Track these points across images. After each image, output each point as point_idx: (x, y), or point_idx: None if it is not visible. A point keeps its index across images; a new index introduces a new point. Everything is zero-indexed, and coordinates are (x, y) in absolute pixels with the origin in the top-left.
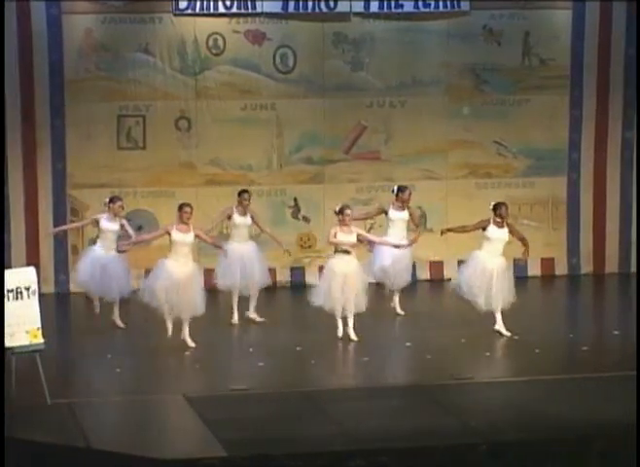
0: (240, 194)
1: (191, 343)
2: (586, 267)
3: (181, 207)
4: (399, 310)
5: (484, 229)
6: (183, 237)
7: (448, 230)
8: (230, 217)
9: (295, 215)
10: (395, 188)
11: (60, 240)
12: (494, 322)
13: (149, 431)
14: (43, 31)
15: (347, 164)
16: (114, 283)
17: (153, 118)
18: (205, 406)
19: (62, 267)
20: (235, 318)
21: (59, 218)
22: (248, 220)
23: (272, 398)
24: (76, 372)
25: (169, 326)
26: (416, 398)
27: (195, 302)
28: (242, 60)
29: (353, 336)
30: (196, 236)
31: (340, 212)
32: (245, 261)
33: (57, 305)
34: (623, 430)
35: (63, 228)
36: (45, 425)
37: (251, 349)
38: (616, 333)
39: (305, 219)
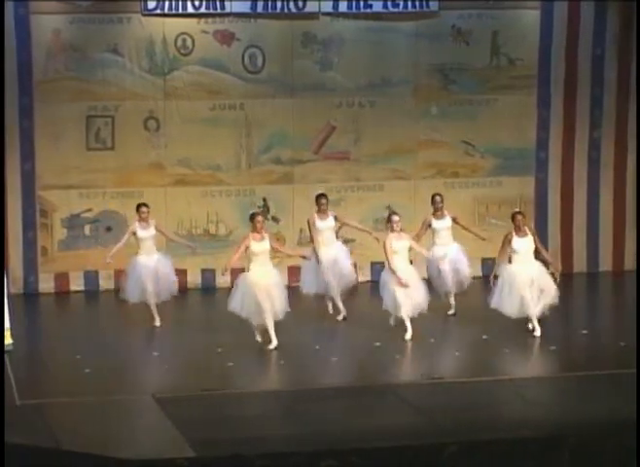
0: (317, 198)
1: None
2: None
3: (253, 217)
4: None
5: (509, 242)
6: (259, 246)
7: (495, 265)
8: (314, 224)
9: (264, 215)
10: (438, 197)
11: (30, 241)
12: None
13: (118, 432)
14: (11, 31)
15: (316, 165)
16: (164, 284)
17: (121, 118)
18: (174, 406)
19: (32, 267)
20: (341, 315)
21: (28, 219)
22: (330, 223)
23: (242, 398)
24: (45, 372)
25: (259, 335)
26: (386, 398)
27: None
28: (211, 60)
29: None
30: (273, 249)
31: (388, 220)
32: (333, 264)
33: (26, 306)
34: (593, 429)
35: (117, 249)
36: (14, 426)
37: (219, 350)
38: (584, 332)
39: (275, 219)
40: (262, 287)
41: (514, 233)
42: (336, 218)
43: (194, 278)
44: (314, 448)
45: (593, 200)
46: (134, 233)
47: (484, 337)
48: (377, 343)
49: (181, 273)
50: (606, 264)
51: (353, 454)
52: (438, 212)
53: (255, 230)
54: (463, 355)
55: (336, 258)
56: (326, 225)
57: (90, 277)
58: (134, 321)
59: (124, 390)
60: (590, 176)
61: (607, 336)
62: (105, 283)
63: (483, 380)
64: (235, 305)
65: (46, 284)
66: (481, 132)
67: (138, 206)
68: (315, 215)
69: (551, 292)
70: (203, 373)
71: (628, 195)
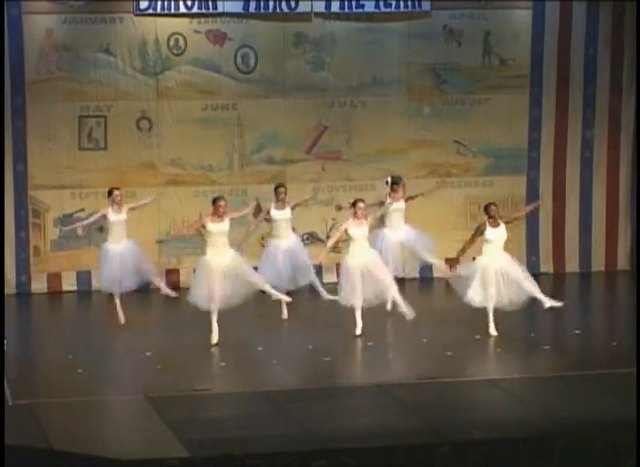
0: (275, 188)
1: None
2: (546, 265)
3: (215, 201)
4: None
5: (482, 233)
6: (218, 227)
7: (462, 251)
8: (268, 212)
9: (256, 215)
10: (389, 179)
11: (22, 242)
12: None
13: (110, 432)
14: (3, 31)
15: (308, 164)
16: (135, 272)
17: (114, 118)
18: (167, 406)
19: (24, 268)
20: (284, 314)
21: (20, 219)
22: (286, 214)
23: (234, 398)
24: (37, 372)
25: (215, 328)
26: (378, 398)
27: (251, 284)
28: (203, 60)
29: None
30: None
31: (353, 205)
32: (286, 256)
33: (18, 306)
34: (586, 429)
35: (76, 225)
36: (6, 426)
37: (212, 349)
38: (577, 332)
39: (267, 220)
40: (218, 271)
41: (487, 225)
42: (293, 207)
43: (186, 277)
44: (305, 447)
45: (586, 200)
46: (105, 217)
47: (477, 336)
48: (370, 343)
49: (174, 273)
50: (599, 263)
51: (344, 454)
52: (396, 194)
53: (216, 213)
54: (455, 355)
55: (291, 251)
56: (282, 215)
57: (83, 277)
58: (126, 321)
59: (117, 390)
60: (583, 176)
61: (599, 336)
62: (98, 283)
63: (476, 380)
64: (191, 293)
65: (38, 284)
66: (473, 132)
67: (110, 191)
68: (272, 204)
69: (525, 278)
70: (196, 372)
71: (621, 194)
